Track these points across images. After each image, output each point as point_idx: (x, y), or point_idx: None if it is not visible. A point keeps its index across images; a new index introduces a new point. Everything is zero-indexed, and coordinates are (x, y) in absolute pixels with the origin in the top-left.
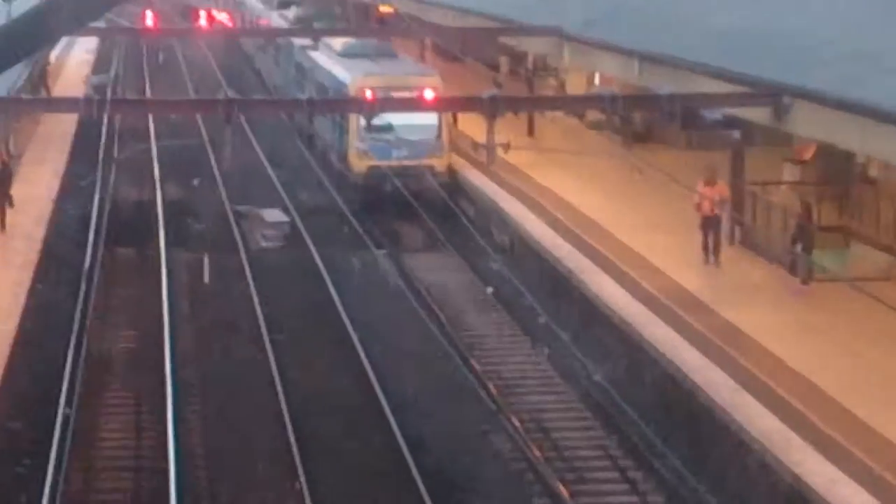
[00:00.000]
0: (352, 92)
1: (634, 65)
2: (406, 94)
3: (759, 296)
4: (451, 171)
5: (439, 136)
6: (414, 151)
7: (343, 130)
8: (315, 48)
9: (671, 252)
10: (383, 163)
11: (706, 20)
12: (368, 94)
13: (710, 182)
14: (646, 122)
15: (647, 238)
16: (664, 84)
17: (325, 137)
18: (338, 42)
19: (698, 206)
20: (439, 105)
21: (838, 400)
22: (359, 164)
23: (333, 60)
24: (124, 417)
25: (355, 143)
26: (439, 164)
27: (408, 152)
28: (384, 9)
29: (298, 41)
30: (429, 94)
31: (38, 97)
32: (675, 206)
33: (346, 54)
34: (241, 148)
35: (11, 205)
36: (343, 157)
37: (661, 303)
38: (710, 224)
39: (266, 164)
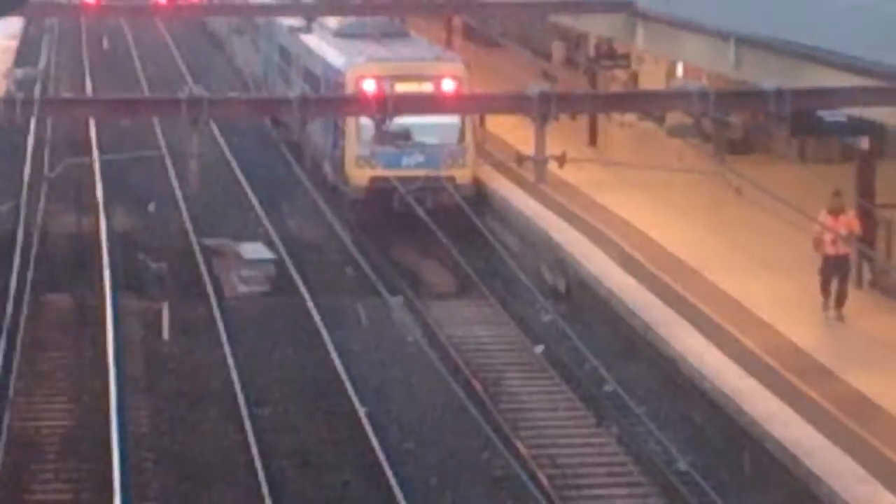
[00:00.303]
0: (349, 82)
1: (730, 51)
2: (418, 86)
3: (894, 355)
4: (478, 184)
5: (462, 139)
6: (431, 158)
7: (339, 131)
8: (305, 28)
9: (781, 299)
10: (390, 172)
11: None
12: (370, 84)
13: (835, 211)
14: (745, 126)
15: (748, 281)
16: (769, 77)
17: (315, 141)
18: (333, 20)
19: (818, 243)
20: (471, 104)
21: None
22: (359, 175)
23: (327, 43)
24: None
25: (355, 148)
26: (462, 174)
27: (423, 159)
28: None
29: (284, 19)
30: (448, 85)
31: None
32: (784, 237)
33: (343, 34)
34: (212, 161)
35: None
36: (338, 167)
37: (768, 365)
38: (834, 266)
39: (244, 182)
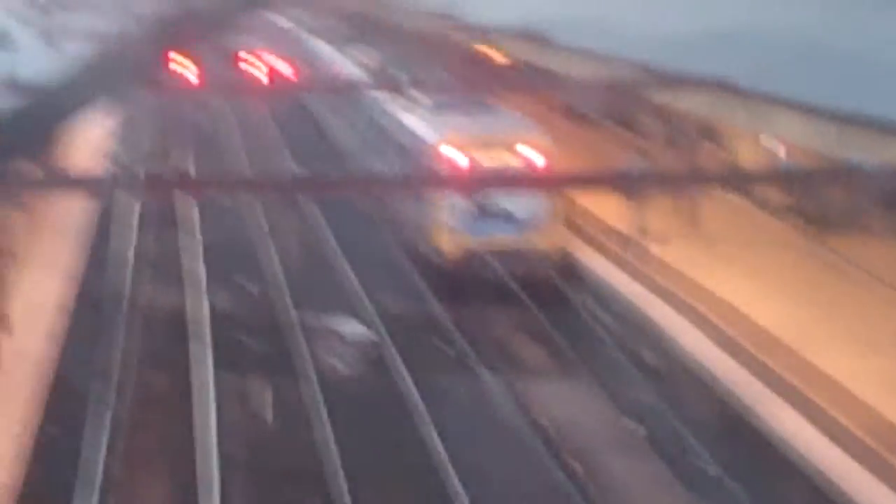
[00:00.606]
0: (438, 153)
1: (831, 128)
2: (504, 156)
3: None
4: (563, 252)
5: (548, 207)
6: (517, 228)
7: (429, 202)
8: (396, 103)
9: (883, 380)
10: (480, 242)
11: None
12: (458, 156)
13: None
14: (845, 204)
15: (849, 361)
16: (870, 155)
17: (407, 212)
18: (423, 95)
19: None
20: (570, 182)
21: None
22: (449, 245)
23: (416, 116)
24: None
25: (445, 218)
26: (547, 242)
27: (510, 229)
28: (494, 55)
29: (377, 95)
30: (533, 154)
31: (49, 175)
32: (884, 316)
33: (432, 108)
34: (311, 238)
35: (4, 327)
36: (429, 237)
37: (869, 447)
38: None
39: (343, 260)
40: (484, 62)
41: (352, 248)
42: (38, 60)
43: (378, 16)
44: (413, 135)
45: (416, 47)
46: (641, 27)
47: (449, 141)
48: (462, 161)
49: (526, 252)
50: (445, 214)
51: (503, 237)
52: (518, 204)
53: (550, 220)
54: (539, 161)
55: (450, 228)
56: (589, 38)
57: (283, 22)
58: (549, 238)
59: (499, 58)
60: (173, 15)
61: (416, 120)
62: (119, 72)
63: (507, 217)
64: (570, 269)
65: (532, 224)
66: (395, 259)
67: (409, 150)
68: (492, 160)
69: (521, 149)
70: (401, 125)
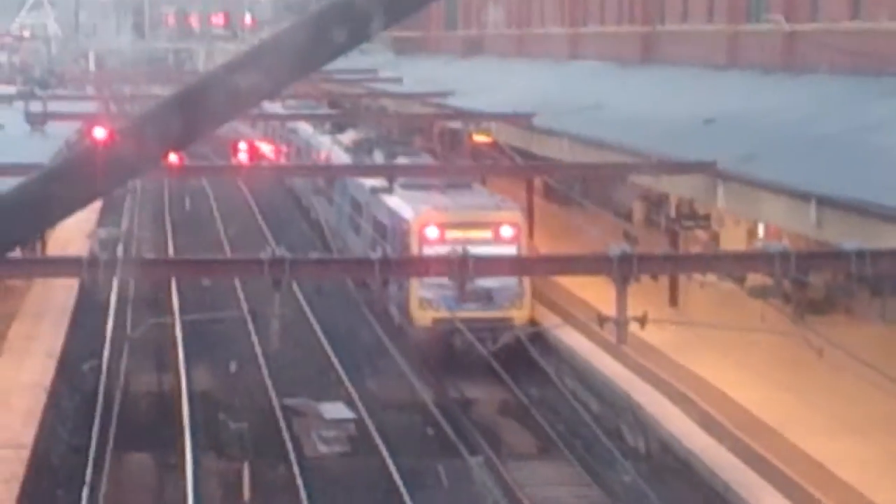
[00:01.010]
0: (414, 230)
1: (811, 211)
2: (478, 233)
3: None
4: (539, 327)
5: (520, 281)
6: (491, 301)
7: None
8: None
9: (863, 461)
10: (452, 314)
11: None
12: (433, 231)
13: None
14: (826, 287)
15: (833, 444)
16: (851, 237)
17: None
18: None
19: None
20: (551, 265)
21: None
22: (422, 317)
23: (393, 193)
24: None
25: (418, 290)
26: (520, 315)
27: (485, 304)
28: (479, 138)
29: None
30: (506, 231)
31: (28, 257)
32: (867, 398)
33: (409, 186)
34: (293, 320)
35: None
36: (403, 308)
37: None
38: None
39: (324, 341)
40: (468, 144)
41: (329, 323)
42: (21, 143)
43: (366, 101)
44: (391, 212)
45: (400, 130)
46: (629, 112)
47: (426, 218)
48: (438, 238)
49: (502, 327)
50: (419, 286)
51: (479, 313)
52: (494, 280)
53: (526, 296)
54: (508, 234)
55: (423, 300)
56: (576, 122)
57: (275, 108)
58: (524, 313)
59: (484, 140)
60: (172, 103)
61: (394, 198)
62: (118, 167)
63: (484, 293)
64: (548, 345)
65: (508, 299)
66: (373, 333)
67: (388, 227)
68: (468, 238)
69: (497, 226)
70: (379, 203)
